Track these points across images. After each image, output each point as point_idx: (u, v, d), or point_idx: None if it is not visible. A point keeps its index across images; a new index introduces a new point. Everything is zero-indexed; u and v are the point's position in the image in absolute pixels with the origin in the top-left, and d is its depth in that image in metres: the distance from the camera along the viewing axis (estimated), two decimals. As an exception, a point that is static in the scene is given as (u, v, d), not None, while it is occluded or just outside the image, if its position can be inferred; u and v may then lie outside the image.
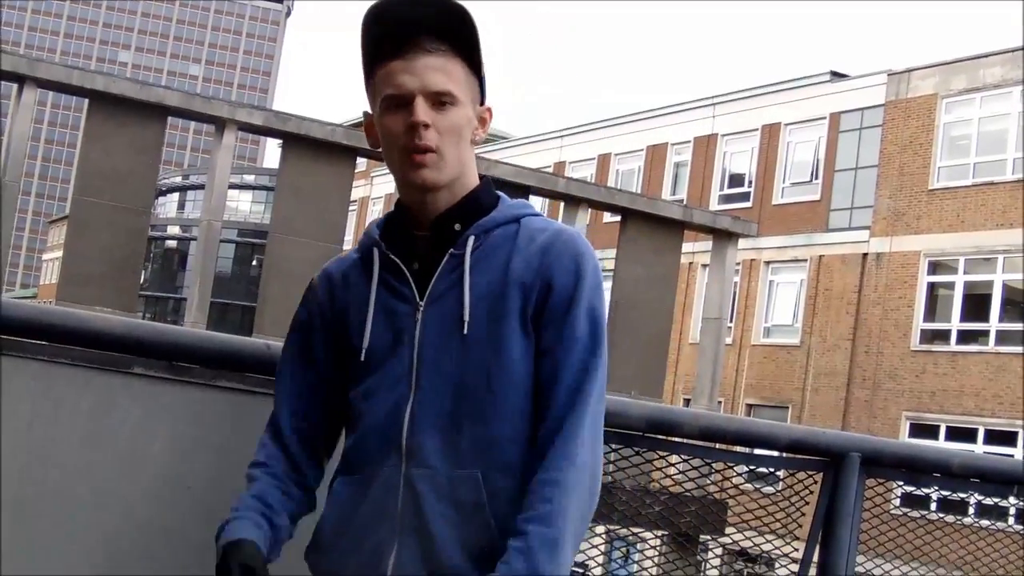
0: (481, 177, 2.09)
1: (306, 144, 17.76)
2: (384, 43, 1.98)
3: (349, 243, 40.40)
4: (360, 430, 2.03)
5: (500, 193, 2.11)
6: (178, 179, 76.70)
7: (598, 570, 3.63)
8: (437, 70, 1.97)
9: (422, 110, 1.95)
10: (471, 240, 2.01)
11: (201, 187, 60.05)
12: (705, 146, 32.66)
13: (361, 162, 26.08)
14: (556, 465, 1.91)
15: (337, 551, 2.01)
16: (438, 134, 1.97)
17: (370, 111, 2.07)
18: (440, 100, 1.97)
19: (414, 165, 1.97)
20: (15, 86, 16.84)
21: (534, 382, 1.98)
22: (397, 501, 1.95)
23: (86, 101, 17.02)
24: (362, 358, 2.01)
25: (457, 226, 2.02)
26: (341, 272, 2.12)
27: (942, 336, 25.79)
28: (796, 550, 3.08)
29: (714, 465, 3.00)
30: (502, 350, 1.96)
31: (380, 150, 2.06)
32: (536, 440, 1.96)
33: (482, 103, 2.08)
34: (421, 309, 2.00)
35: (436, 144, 1.97)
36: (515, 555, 1.85)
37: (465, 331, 1.96)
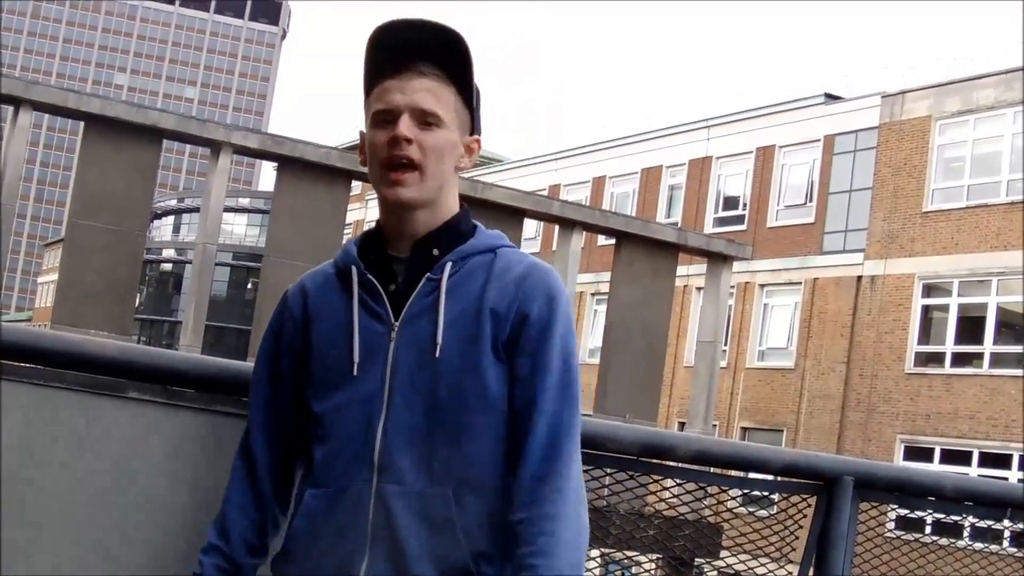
0: (461, 205, 2.14)
1: (301, 167, 17.77)
2: (383, 63, 2.06)
3: (344, 266, 40.30)
4: (330, 445, 2.06)
5: (477, 223, 2.16)
6: (173, 202, 76.93)
7: (593, 594, 3.62)
8: (427, 91, 2.04)
9: (406, 125, 2.02)
10: (448, 266, 2.05)
11: (196, 210, 60.05)
12: (700, 169, 32.74)
13: (356, 185, 26.04)
14: (547, 499, 1.97)
15: (306, 561, 2.05)
16: (420, 151, 2.03)
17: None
18: (426, 120, 2.03)
19: (391, 183, 2.04)
20: (11, 109, 16.86)
21: (508, 407, 2.03)
22: (368, 515, 1.99)
23: (82, 124, 17.04)
24: (355, 373, 2.03)
25: (436, 251, 2.07)
26: (317, 287, 2.17)
27: (936, 359, 25.82)
28: (791, 574, 3.08)
29: (708, 489, 3.00)
30: (475, 373, 2.00)
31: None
32: (518, 470, 2.00)
33: (472, 134, 2.13)
34: (395, 330, 2.03)
35: (417, 159, 2.03)
36: None
37: (437, 354, 1.99)
